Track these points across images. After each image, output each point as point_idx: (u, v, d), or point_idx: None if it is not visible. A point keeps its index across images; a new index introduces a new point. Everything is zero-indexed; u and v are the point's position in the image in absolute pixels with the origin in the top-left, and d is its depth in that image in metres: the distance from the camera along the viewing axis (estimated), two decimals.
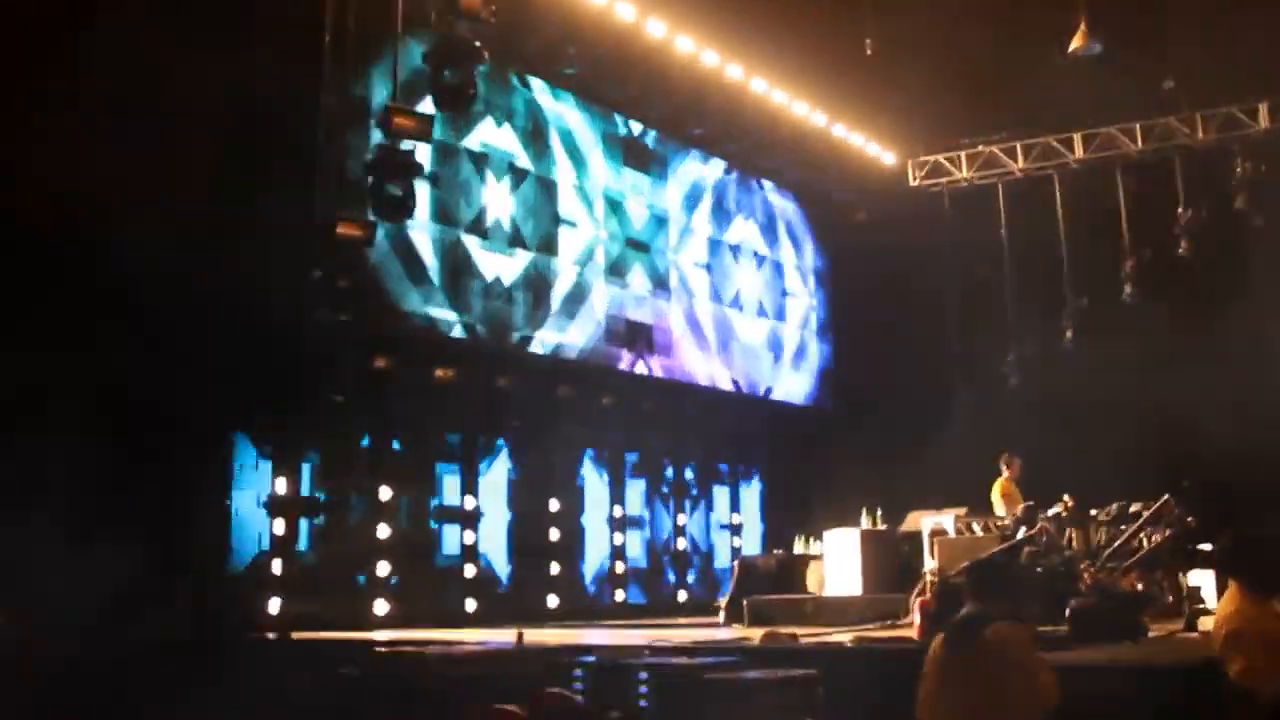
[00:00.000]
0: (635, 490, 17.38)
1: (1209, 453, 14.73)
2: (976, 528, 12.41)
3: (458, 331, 14.62)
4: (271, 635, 11.67)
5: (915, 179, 21.25)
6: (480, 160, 15.24)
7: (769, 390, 20.04)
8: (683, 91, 16.98)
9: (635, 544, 17.21)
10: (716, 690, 7.15)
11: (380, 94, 13.56)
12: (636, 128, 18.01)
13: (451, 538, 14.44)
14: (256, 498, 12.43)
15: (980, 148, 20.59)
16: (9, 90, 10.59)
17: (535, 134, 16.19)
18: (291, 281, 12.31)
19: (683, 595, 17.66)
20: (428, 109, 13.43)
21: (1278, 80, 17.71)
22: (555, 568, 15.59)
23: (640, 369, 17.29)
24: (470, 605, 14.24)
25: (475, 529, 14.59)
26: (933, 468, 15.69)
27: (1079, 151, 19.82)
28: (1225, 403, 15.43)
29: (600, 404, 16.47)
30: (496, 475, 15.18)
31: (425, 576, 14.02)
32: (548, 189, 16.23)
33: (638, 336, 17.32)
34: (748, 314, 19.82)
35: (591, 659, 8.23)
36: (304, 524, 12.77)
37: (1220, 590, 9.95)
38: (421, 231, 14.23)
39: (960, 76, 16.98)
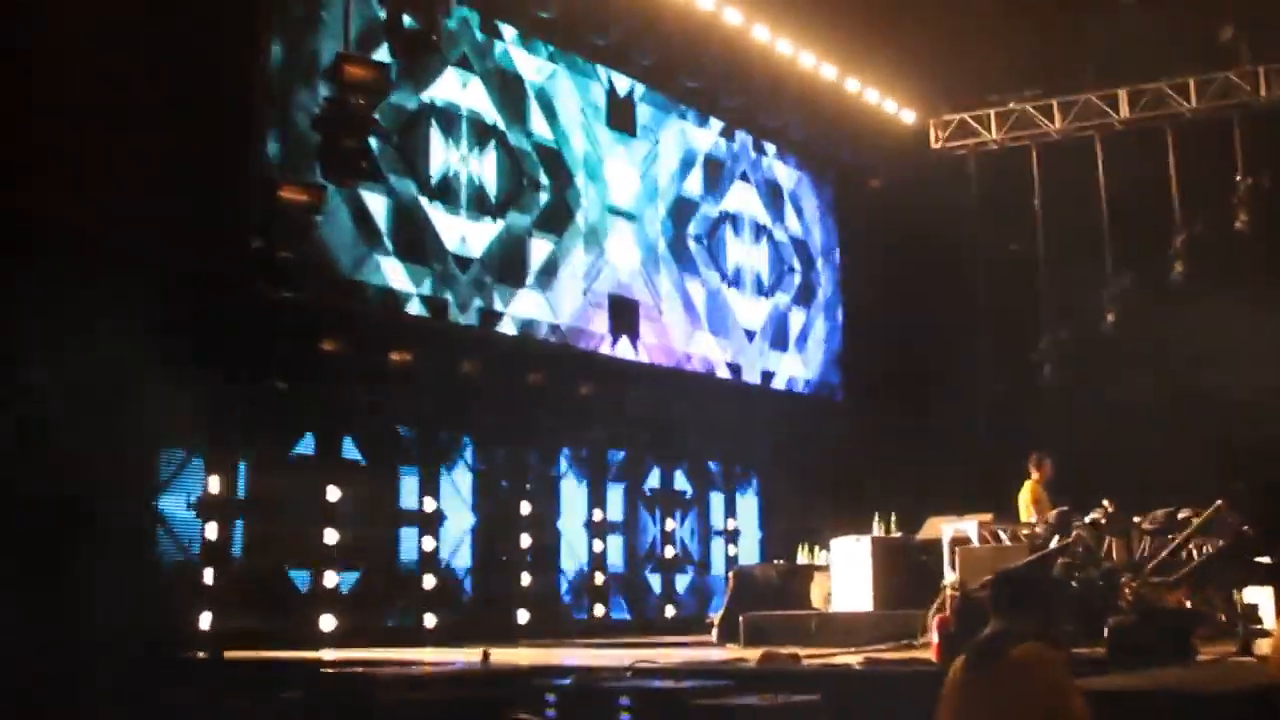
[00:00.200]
0: (617, 491, 17.40)
1: (1269, 451, 14.77)
2: (1003, 536, 12.45)
3: (416, 307, 14.61)
4: (202, 654, 11.64)
5: (938, 140, 21.29)
6: (444, 117, 15.20)
7: (769, 375, 20.07)
8: (674, 41, 16.98)
9: (616, 551, 17.24)
10: (707, 718, 7.16)
11: (331, 46, 13.52)
12: (621, 82, 17.98)
13: (409, 544, 14.46)
14: (186, 499, 12.39)
15: (1012, 105, 20.61)
16: None
17: (506, 88, 16.15)
18: (229, 252, 12.26)
19: (670, 610, 17.71)
20: (384, 58, 13.37)
21: None
22: (526, 578, 15.60)
23: (624, 350, 17.30)
24: (430, 620, 14.27)
25: (436, 534, 14.59)
26: (954, 468, 15.75)
27: (1124, 110, 19.85)
28: None
29: (577, 393, 16.46)
30: (460, 473, 15.19)
31: (378, 588, 14.03)
32: (519, 149, 16.21)
33: (621, 315, 17.33)
34: (746, 291, 19.84)
35: (566, 682, 8.24)
36: (239, 527, 12.74)
37: None
38: (376, 196, 14.20)
39: (989, 24, 16.97)
